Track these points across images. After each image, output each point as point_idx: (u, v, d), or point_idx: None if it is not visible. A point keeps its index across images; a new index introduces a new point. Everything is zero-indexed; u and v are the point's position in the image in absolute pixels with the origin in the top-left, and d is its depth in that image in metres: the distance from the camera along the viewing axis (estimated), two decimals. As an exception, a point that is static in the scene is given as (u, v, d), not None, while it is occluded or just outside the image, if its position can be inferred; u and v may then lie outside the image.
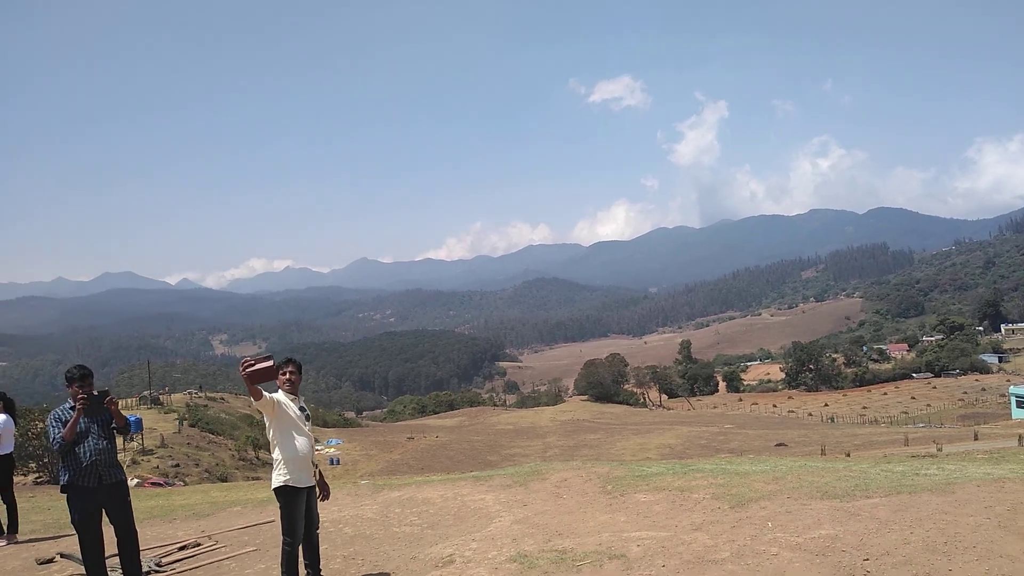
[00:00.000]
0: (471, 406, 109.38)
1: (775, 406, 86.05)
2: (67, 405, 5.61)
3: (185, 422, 42.72)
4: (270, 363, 5.05)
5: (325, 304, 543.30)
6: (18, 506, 8.97)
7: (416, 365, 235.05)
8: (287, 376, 5.36)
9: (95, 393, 5.54)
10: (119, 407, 5.96)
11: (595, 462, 11.14)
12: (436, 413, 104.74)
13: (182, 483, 27.35)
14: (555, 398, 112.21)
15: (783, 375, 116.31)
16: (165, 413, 45.84)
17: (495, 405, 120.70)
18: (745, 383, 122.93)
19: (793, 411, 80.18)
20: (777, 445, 34.52)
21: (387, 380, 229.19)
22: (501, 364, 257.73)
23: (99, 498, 5.52)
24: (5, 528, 8.63)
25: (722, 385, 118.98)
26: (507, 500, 8.49)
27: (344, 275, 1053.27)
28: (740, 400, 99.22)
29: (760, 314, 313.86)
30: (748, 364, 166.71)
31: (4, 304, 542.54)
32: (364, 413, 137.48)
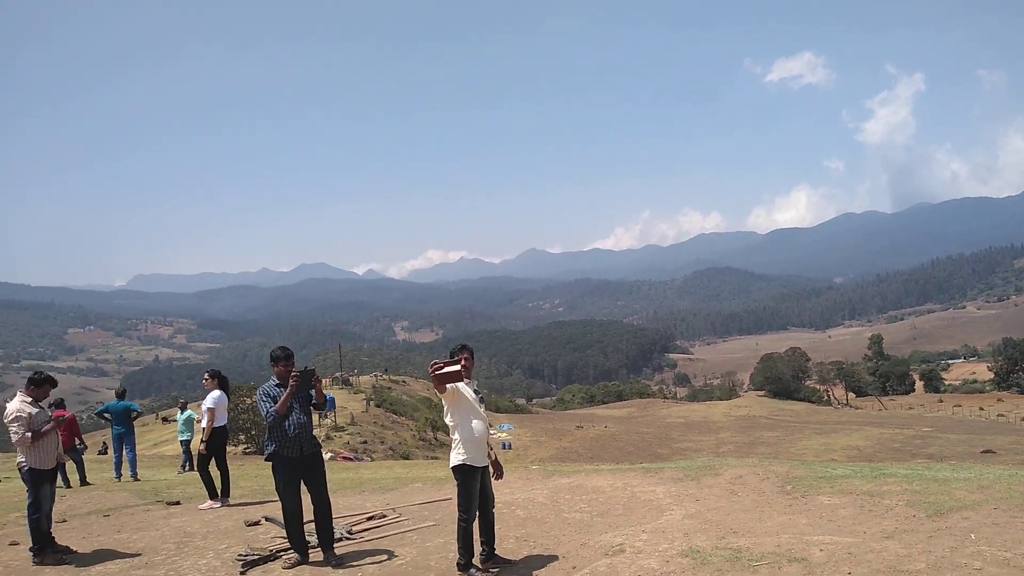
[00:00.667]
0: (640, 397, 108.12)
1: (982, 409, 77.05)
2: (272, 382, 6.23)
3: (372, 402, 45.85)
4: (457, 368, 5.40)
5: (497, 293, 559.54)
6: (230, 473, 10.08)
7: (584, 355, 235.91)
8: (462, 362, 5.61)
9: (304, 371, 6.13)
10: (322, 386, 6.56)
11: (773, 460, 10.62)
12: (604, 403, 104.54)
13: (369, 458, 29.42)
14: (729, 392, 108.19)
15: (992, 375, 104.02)
16: (354, 393, 49.49)
17: (665, 397, 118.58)
18: (946, 383, 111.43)
19: (1003, 415, 71.49)
20: (984, 452, 30.96)
21: (556, 369, 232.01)
22: (671, 356, 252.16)
23: (300, 468, 6.10)
24: (219, 492, 9.73)
25: (919, 384, 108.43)
26: (678, 494, 8.33)
27: (514, 265, 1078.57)
28: (940, 401, 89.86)
29: (964, 307, 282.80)
30: (950, 362, 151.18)
31: (217, 292, 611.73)
32: (534, 400, 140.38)
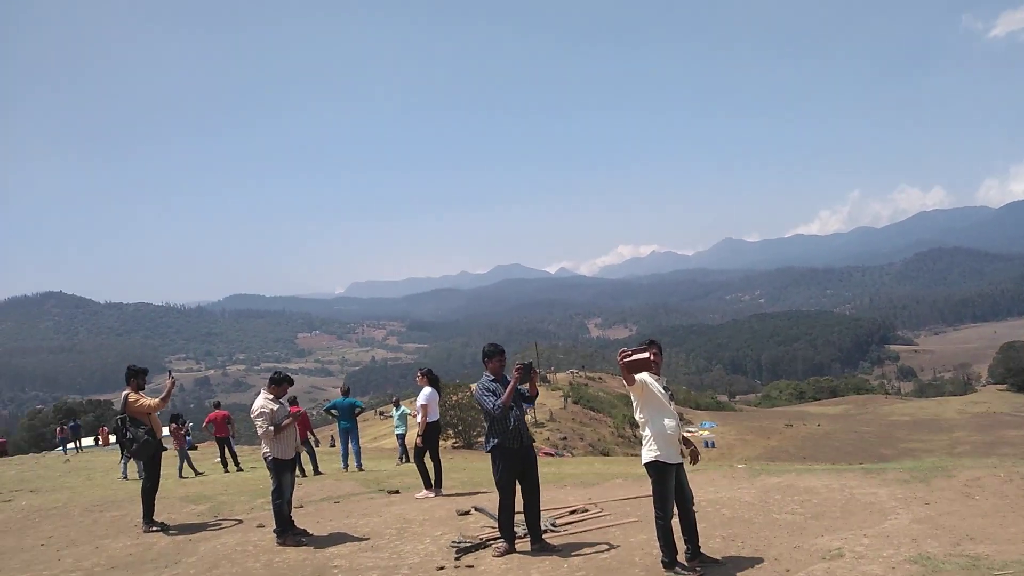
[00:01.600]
0: (857, 393, 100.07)
1: None
2: (487, 378, 6.53)
3: (569, 399, 46.54)
4: (646, 355, 5.42)
5: (691, 286, 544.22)
6: (442, 465, 10.66)
7: (791, 348, 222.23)
8: (651, 358, 5.50)
9: (526, 364, 6.41)
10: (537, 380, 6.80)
11: (1018, 461, 9.30)
12: (816, 400, 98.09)
13: (569, 454, 29.92)
14: (963, 386, 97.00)
15: None
16: (552, 390, 50.47)
17: (887, 393, 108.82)
18: None
19: None
20: None
21: (760, 364, 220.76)
22: (892, 347, 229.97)
23: (519, 459, 6.34)
24: (432, 483, 10.32)
25: None
26: (904, 496, 7.56)
27: (709, 256, 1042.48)
28: None
29: None
30: None
31: (423, 296, 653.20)
32: (736, 397, 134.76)
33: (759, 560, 5.62)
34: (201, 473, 16.72)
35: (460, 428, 34.01)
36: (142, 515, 8.87)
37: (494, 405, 6.24)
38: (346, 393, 15.99)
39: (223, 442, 17.42)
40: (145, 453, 8.50)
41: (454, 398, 33.72)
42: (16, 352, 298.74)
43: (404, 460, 18.26)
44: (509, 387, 6.27)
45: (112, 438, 35.54)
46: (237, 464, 17.32)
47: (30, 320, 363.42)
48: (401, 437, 18.29)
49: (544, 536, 6.64)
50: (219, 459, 17.66)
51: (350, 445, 15.45)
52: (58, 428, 39.56)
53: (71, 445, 34.89)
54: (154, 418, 8.61)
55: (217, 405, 18.90)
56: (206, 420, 17.35)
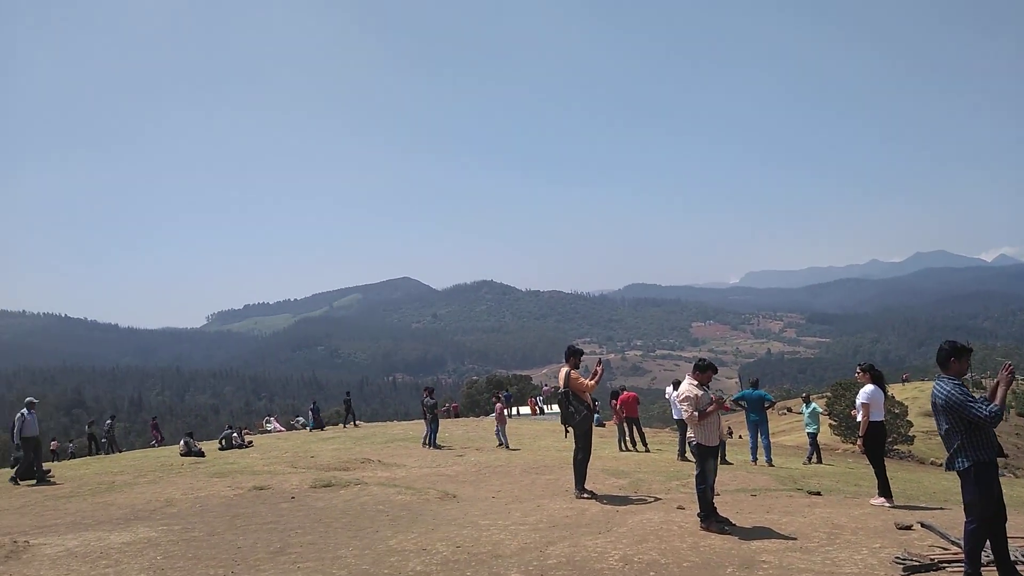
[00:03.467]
0: None
1: None
2: (952, 381, 5.37)
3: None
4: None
5: None
6: (886, 472, 9.59)
7: None
8: None
9: (1010, 367, 5.39)
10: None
11: None
12: None
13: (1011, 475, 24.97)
14: None
15: None
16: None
17: None
18: None
19: None
20: None
21: None
22: None
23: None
24: (883, 490, 9.30)
25: None
26: None
27: None
28: None
29: None
30: None
31: (825, 286, 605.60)
32: None
33: None
34: (628, 449, 17.97)
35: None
36: (575, 482, 9.83)
37: (989, 412, 5.05)
38: (755, 385, 15.62)
39: (632, 422, 18.40)
40: (583, 426, 9.41)
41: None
42: (458, 331, 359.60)
43: (813, 460, 17.24)
44: (1001, 391, 5.23)
45: (536, 410, 40.23)
46: (644, 444, 18.16)
47: (468, 304, 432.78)
48: (812, 435, 17.25)
49: (1019, 568, 5.57)
50: (624, 438, 18.60)
51: (759, 439, 15.06)
52: (492, 397, 46.33)
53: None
54: (586, 396, 9.48)
55: (622, 388, 20.00)
56: (617, 401, 18.50)
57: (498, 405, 20.62)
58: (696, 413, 7.60)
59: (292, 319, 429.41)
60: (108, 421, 30.29)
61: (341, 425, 31.52)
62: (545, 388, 49.11)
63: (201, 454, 18.89)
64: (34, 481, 14.00)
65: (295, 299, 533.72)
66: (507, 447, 18.78)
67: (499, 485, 12.01)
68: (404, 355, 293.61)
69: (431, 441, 19.00)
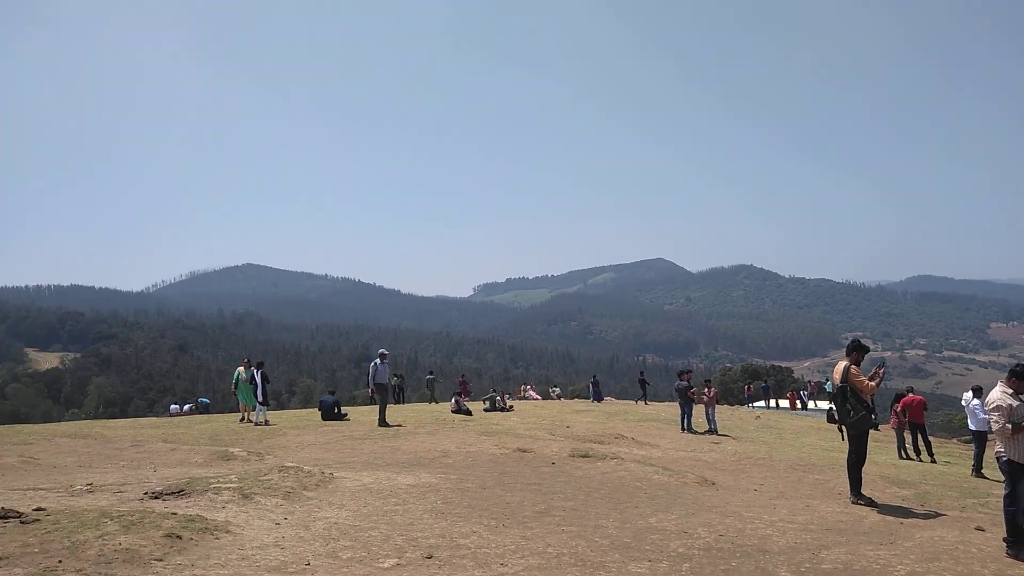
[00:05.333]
0: None
1: None
2: None
3: None
4: None
5: None
6: None
7: None
8: None
9: None
10: None
11: None
12: None
13: None
14: None
15: None
16: None
17: None
18: None
19: None
20: None
21: None
22: None
23: None
24: None
25: None
26: None
27: None
28: None
29: None
30: None
31: None
32: None
33: None
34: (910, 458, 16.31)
35: None
36: (849, 486, 9.08)
37: None
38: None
39: (917, 428, 16.53)
40: (859, 427, 8.64)
41: None
42: (713, 315, 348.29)
43: None
44: None
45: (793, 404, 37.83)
46: (931, 454, 16.21)
47: (725, 289, 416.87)
48: None
49: None
50: (905, 445, 16.78)
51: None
52: (746, 386, 44.40)
53: (759, 403, 38.68)
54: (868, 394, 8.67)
55: (909, 390, 18.03)
56: (899, 403, 16.73)
57: (712, 390, 20.52)
58: (1009, 425, 6.60)
59: (548, 294, 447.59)
60: (429, 376, 34.27)
61: (635, 401, 32.64)
62: (811, 383, 45.94)
63: (469, 413, 20.55)
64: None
65: (552, 275, 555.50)
66: (715, 432, 18.94)
67: (761, 478, 11.51)
68: (655, 336, 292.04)
69: (687, 425, 18.84)
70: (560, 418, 20.78)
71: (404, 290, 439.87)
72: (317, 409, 19.84)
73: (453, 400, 21.72)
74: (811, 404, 37.44)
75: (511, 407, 23.90)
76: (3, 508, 6.18)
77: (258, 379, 17.06)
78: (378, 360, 16.96)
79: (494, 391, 26.69)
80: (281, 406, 70.94)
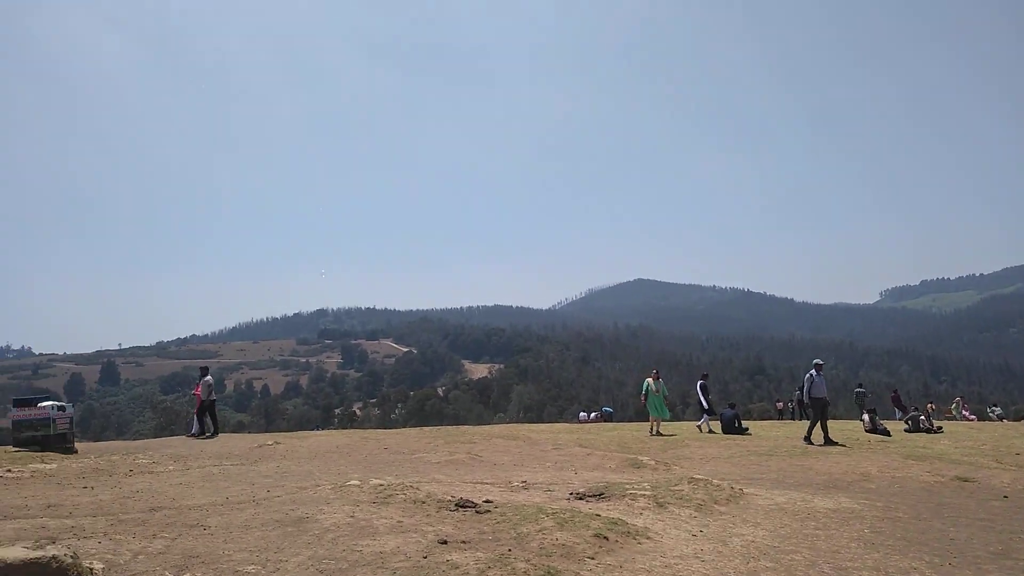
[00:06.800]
0: None
1: None
2: None
3: None
4: None
5: None
6: None
7: None
8: None
9: None
10: None
11: None
12: None
13: None
14: None
15: None
16: None
17: None
18: None
19: None
20: None
21: None
22: None
23: None
24: None
25: None
26: None
27: None
28: None
29: None
30: None
31: None
32: None
33: None
34: None
35: None
36: None
37: None
38: None
39: None
40: None
41: None
42: None
43: None
44: None
45: None
46: None
47: None
48: None
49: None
50: None
51: None
52: None
53: None
54: None
55: None
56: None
57: None
58: None
59: (977, 296, 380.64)
60: (858, 389, 30.45)
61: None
62: None
63: (887, 433, 18.43)
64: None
65: (981, 274, 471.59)
66: None
67: None
68: None
69: None
70: (1006, 443, 17.40)
71: (797, 298, 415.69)
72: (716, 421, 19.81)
73: (866, 417, 19.71)
74: None
75: (939, 428, 20.78)
76: (462, 498, 7.40)
77: (698, 391, 18.25)
78: (814, 371, 16.25)
79: (916, 409, 23.52)
80: (676, 417, 72.36)
